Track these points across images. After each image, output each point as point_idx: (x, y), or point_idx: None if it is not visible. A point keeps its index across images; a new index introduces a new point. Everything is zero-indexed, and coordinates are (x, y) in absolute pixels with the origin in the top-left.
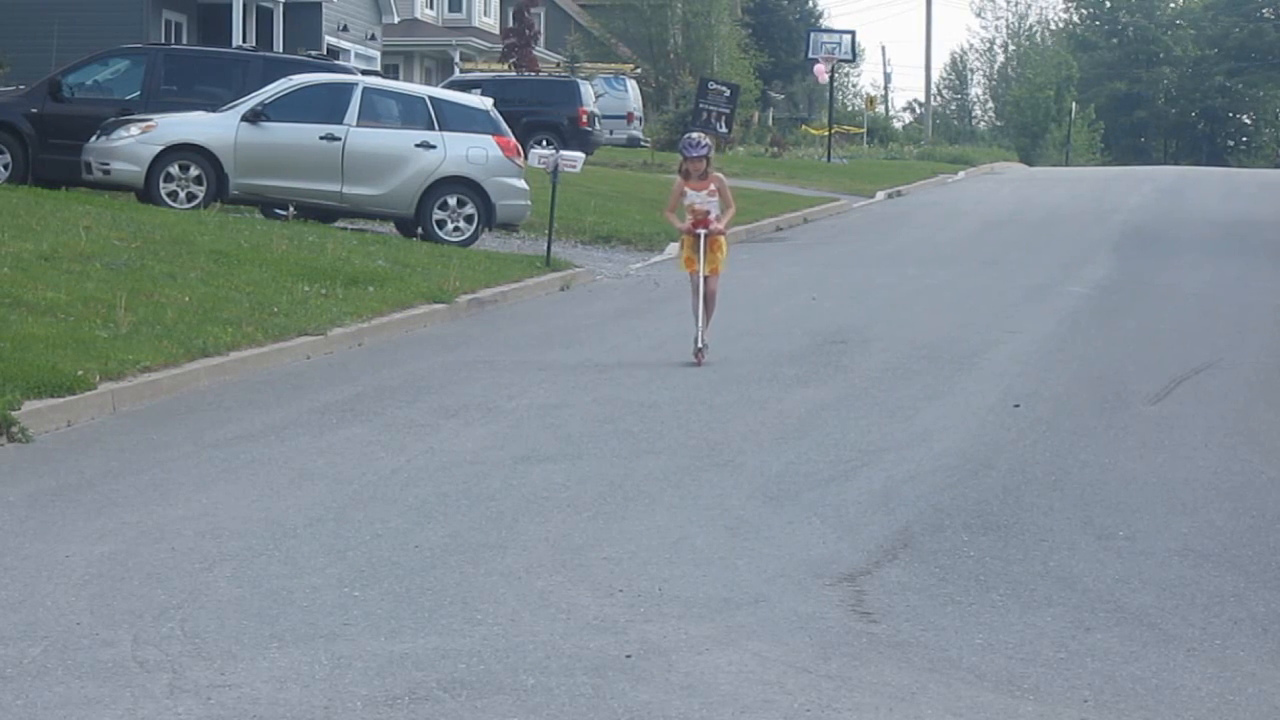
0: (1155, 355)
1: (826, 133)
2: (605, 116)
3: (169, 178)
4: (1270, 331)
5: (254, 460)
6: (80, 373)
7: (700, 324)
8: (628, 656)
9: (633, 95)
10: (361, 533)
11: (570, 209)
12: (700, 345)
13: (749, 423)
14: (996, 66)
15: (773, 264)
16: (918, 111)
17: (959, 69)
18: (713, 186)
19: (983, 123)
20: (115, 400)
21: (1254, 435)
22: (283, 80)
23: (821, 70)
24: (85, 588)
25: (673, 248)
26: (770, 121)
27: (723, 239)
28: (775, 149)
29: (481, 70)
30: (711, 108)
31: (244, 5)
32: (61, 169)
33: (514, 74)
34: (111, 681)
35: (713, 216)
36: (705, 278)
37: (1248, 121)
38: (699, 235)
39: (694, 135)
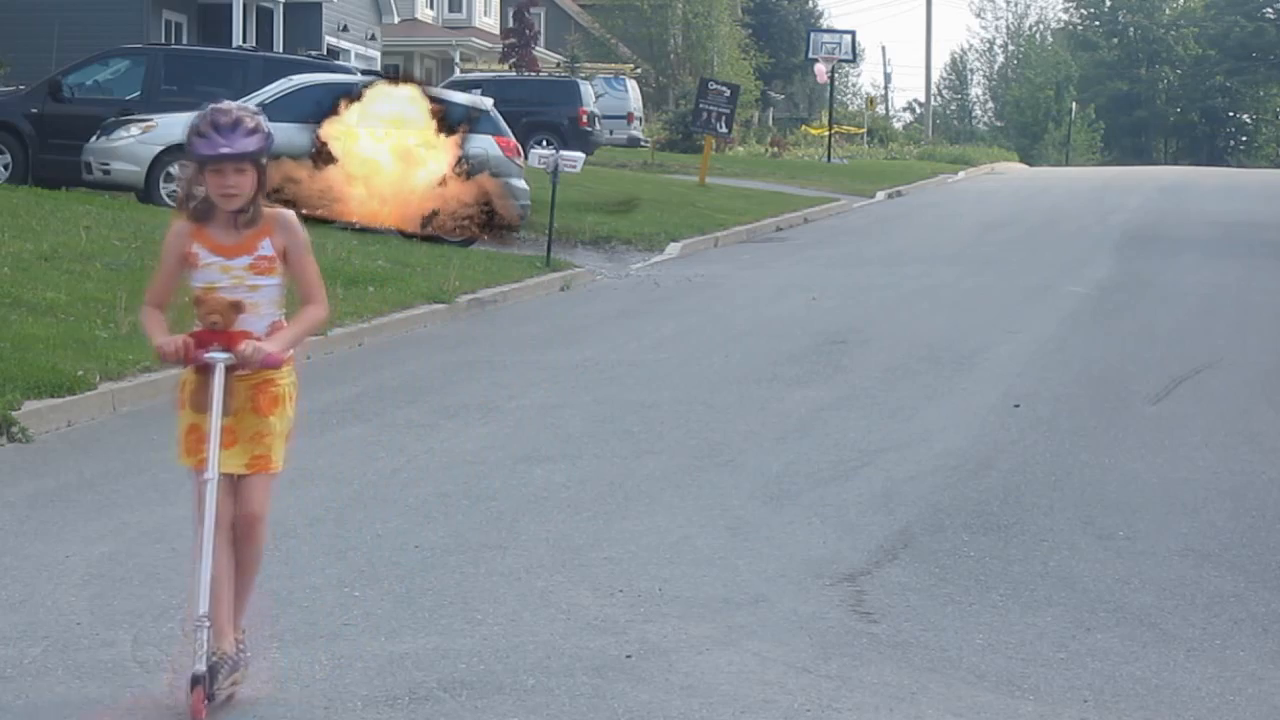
0: (1155, 355)
1: (826, 133)
2: (605, 116)
3: (169, 178)
4: (1270, 331)
5: None
6: (80, 373)
7: (207, 596)
8: (628, 656)
9: (633, 95)
10: (361, 533)
11: (570, 209)
12: (206, 662)
13: (749, 423)
14: (996, 66)
15: (773, 264)
16: (918, 111)
17: (959, 69)
18: (267, 246)
19: (983, 123)
20: (115, 400)
21: (1254, 435)
22: (283, 80)
23: (821, 70)
24: (85, 588)
25: (673, 247)
26: (770, 122)
27: (283, 387)
28: (775, 149)
29: (481, 70)
30: (711, 108)
31: (244, 5)
32: (61, 169)
33: (514, 74)
34: (111, 681)
35: (259, 329)
36: (238, 480)
37: (1248, 121)
38: (211, 371)
39: (223, 107)
